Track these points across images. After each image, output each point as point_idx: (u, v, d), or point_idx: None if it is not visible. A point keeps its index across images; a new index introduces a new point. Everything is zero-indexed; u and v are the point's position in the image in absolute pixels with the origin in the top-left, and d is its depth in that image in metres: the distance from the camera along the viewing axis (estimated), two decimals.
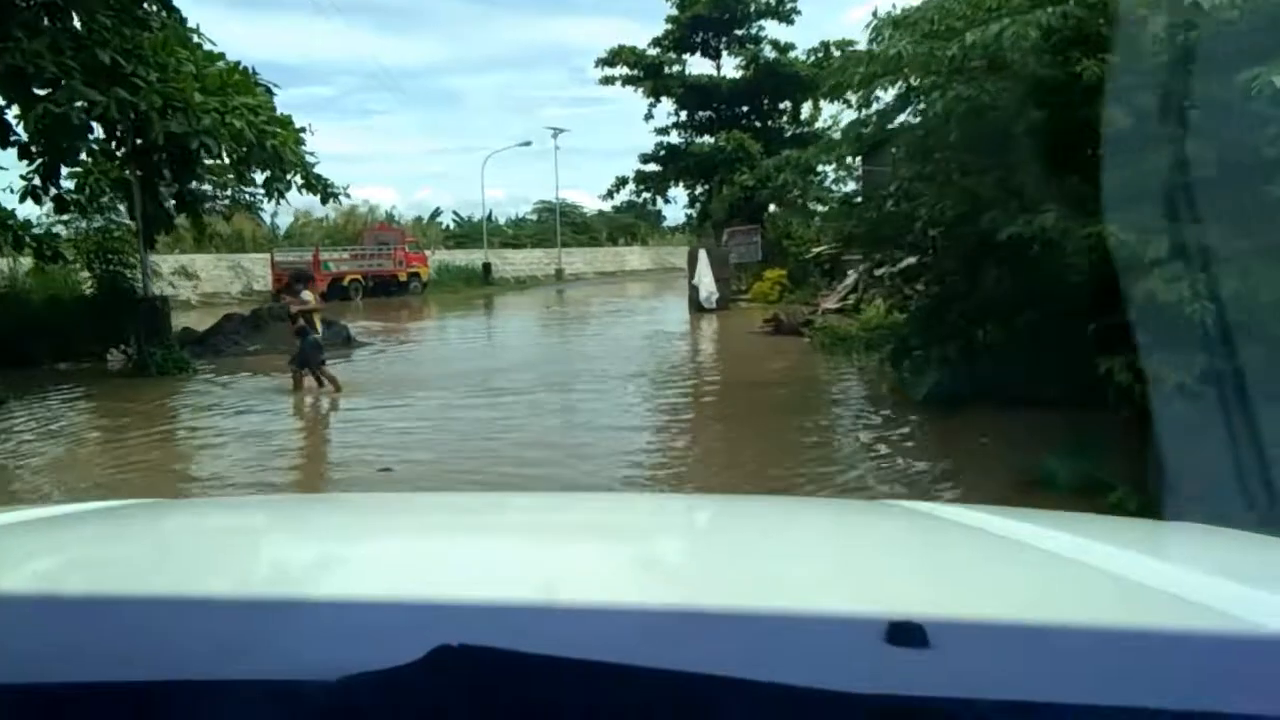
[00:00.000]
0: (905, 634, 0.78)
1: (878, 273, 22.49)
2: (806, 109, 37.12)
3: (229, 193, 57.32)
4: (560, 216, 57.04)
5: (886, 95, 10.91)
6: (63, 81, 11.15)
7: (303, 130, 15.38)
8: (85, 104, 11.25)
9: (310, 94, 70.57)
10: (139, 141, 13.30)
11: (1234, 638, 0.84)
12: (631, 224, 76.18)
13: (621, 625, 0.85)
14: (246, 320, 17.33)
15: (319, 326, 12.21)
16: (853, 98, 11.07)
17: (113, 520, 1.57)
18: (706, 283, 23.68)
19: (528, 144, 46.19)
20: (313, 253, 35.28)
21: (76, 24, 11.81)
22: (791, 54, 34.40)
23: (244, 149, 13.18)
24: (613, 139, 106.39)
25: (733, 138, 31.59)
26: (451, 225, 62.85)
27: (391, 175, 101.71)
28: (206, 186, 55.68)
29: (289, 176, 16.14)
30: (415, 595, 0.91)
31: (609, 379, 12.28)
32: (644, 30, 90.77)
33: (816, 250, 26.68)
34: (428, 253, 40.54)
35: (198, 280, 34.90)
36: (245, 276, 36.62)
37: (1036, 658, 0.80)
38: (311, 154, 17.14)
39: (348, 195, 17.05)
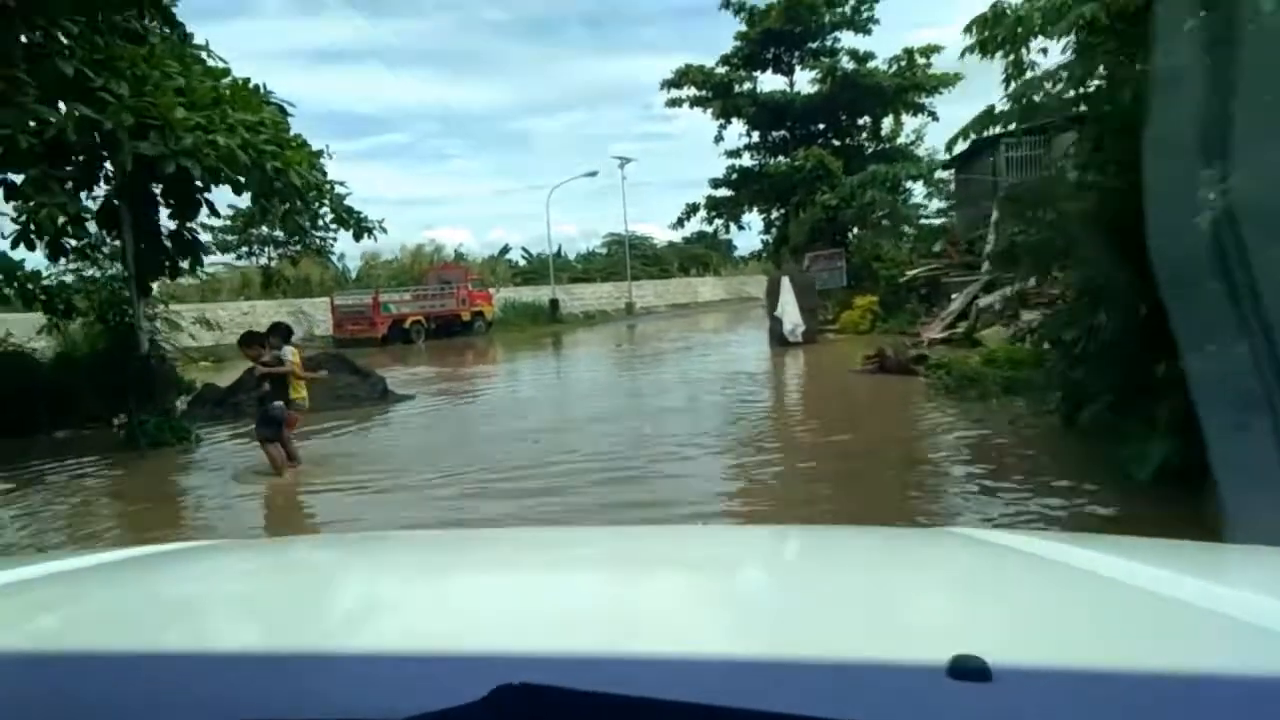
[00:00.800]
0: (968, 668, 0.77)
1: (984, 300, 19.46)
2: (887, 124, 34.27)
3: (296, 237, 57.06)
4: (630, 249, 54.81)
5: (1042, 59, 8.20)
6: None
7: (320, 154, 13.15)
8: (34, 124, 9.09)
9: (387, 141, 71.37)
10: (127, 170, 11.10)
11: None
12: (703, 254, 73.73)
13: (681, 664, 0.85)
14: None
15: (302, 392, 9.79)
16: (999, 63, 8.27)
17: (165, 566, 1.55)
18: (790, 313, 20.90)
19: (593, 174, 44.16)
20: (372, 295, 33.43)
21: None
22: (871, 64, 31.56)
23: (239, 174, 10.89)
24: (682, 171, 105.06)
25: (811, 155, 28.85)
26: (521, 262, 61.13)
27: (466, 217, 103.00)
28: (277, 233, 54.91)
29: (315, 208, 13.98)
30: (473, 641, 0.92)
31: (690, 449, 9.49)
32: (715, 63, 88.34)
33: (912, 273, 23.71)
34: (492, 290, 38.48)
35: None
36: (306, 321, 34.94)
37: (1098, 693, 0.79)
38: (342, 184, 15.02)
39: (383, 230, 14.84)
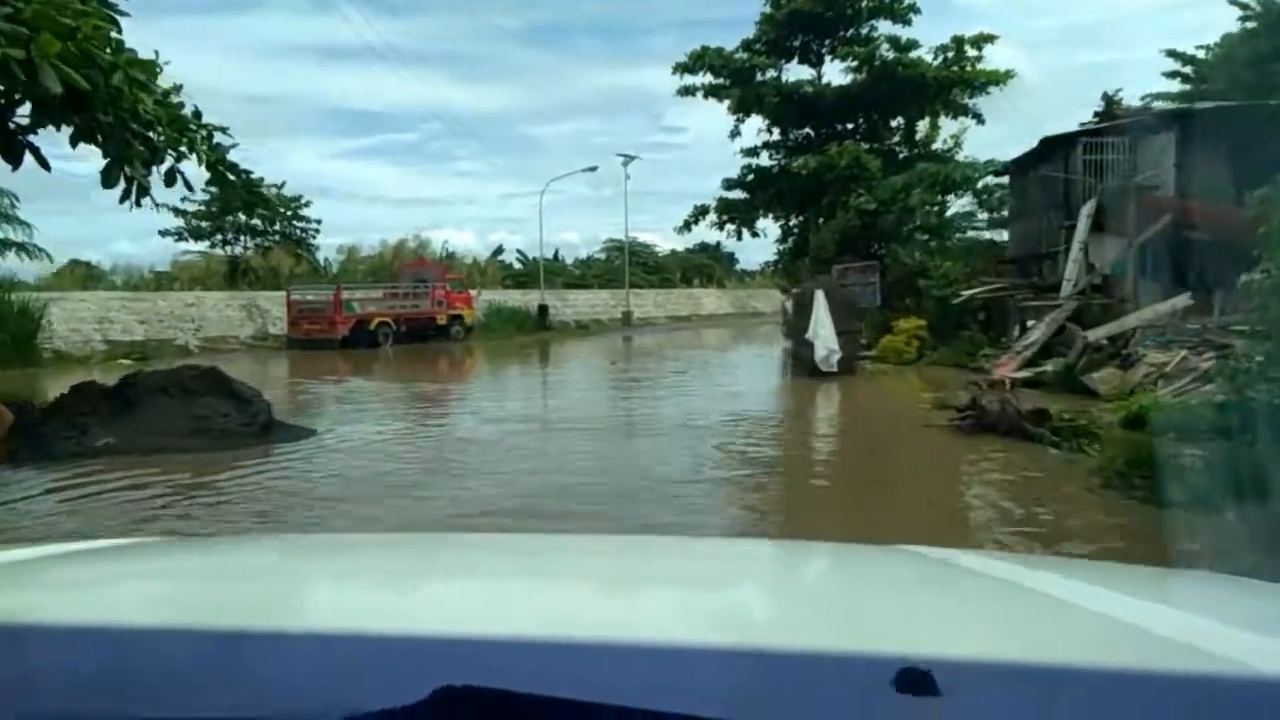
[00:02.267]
0: (914, 681, 0.77)
1: (1097, 334, 14.59)
2: (923, 126, 29.70)
3: (277, 226, 52.43)
4: (630, 255, 50.20)
5: None
6: None
7: (155, 65, 8.60)
8: None
9: (394, 140, 68.08)
10: None
11: (1240, 681, 0.83)
12: (706, 265, 69.13)
13: (624, 665, 0.84)
14: (109, 393, 10.41)
15: None
16: None
17: (124, 557, 1.55)
18: (825, 336, 16.29)
19: (593, 169, 39.65)
20: (334, 291, 28.77)
21: None
22: (914, 53, 27.00)
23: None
24: (689, 182, 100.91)
25: (846, 151, 24.23)
26: (516, 264, 56.36)
27: (470, 219, 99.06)
28: (256, 221, 50.08)
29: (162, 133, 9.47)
30: (418, 633, 0.91)
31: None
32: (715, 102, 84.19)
33: (970, 292, 19.09)
34: (473, 292, 33.80)
35: (199, 324, 28.59)
36: (260, 317, 30.31)
37: (1046, 705, 0.80)
38: (224, 131, 10.48)
39: (250, 176, 10.40)
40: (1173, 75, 33.00)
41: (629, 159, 42.64)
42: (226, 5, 64.56)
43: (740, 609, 1.21)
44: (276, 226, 51.15)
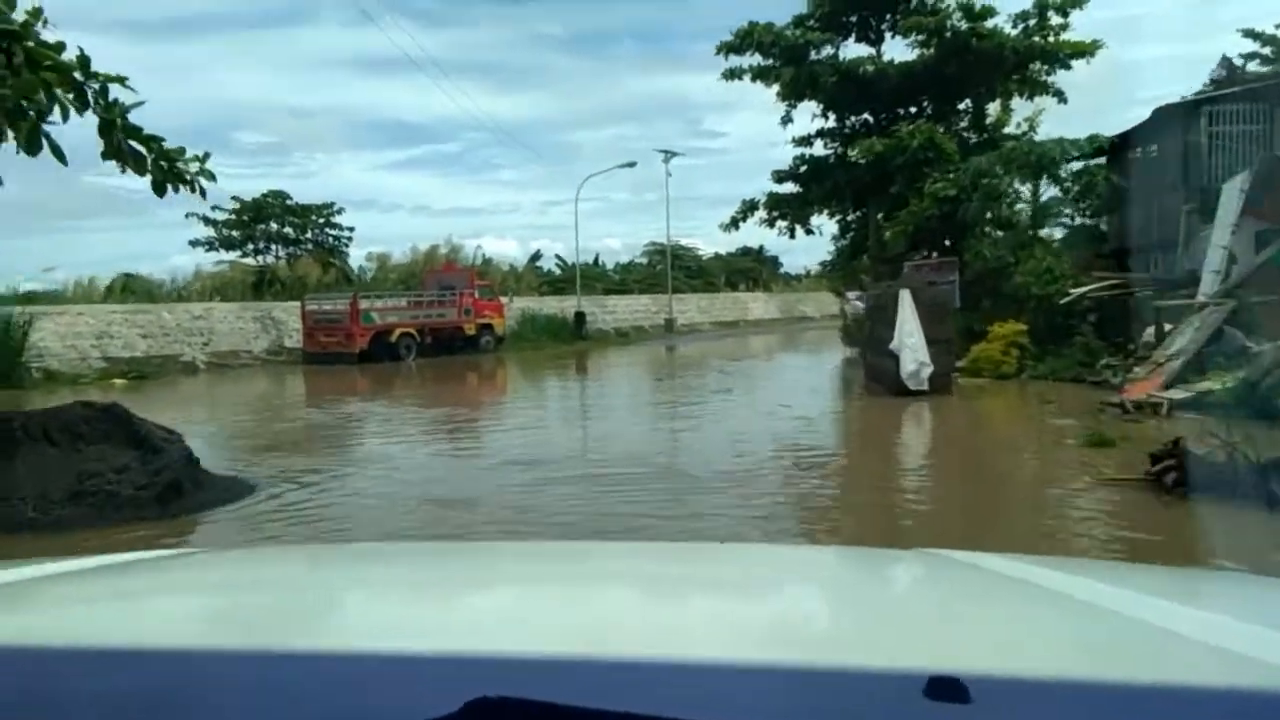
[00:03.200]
0: (945, 689, 0.75)
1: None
2: (993, 109, 26.19)
3: (309, 235, 50.20)
4: (672, 259, 47.14)
5: None
6: None
7: None
8: None
9: (437, 151, 67.45)
10: None
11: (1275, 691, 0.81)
12: (751, 268, 65.81)
13: (659, 678, 0.84)
14: None
15: None
16: None
17: (154, 572, 1.53)
18: (914, 346, 13.12)
19: (632, 164, 36.60)
20: (350, 300, 26.08)
21: None
22: (990, 22, 23.60)
23: None
24: (731, 186, 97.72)
25: (918, 131, 20.94)
26: (555, 270, 53.56)
27: (512, 226, 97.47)
28: (288, 230, 47.83)
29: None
30: (452, 648, 0.90)
31: None
32: (755, 88, 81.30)
33: (1080, 290, 15.77)
34: (504, 300, 30.95)
35: (209, 338, 26.06)
36: (275, 330, 27.74)
37: (1078, 714, 0.79)
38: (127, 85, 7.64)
39: (164, 144, 7.58)
40: (1252, 57, 29.05)
41: (670, 155, 39.73)
42: (274, 19, 64.31)
43: (771, 618, 1.17)
44: (308, 235, 49.04)
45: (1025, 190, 21.71)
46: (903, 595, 1.38)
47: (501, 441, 11.36)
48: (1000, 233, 19.61)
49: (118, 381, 21.36)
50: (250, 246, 46.09)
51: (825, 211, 29.18)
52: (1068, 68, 24.62)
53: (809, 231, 29.08)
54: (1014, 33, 23.47)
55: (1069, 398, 12.52)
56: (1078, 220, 19.73)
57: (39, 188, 61.15)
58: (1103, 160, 20.65)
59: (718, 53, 25.72)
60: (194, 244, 44.91)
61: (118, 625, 1.09)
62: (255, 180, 44.29)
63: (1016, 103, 25.71)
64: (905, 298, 13.27)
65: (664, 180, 40.77)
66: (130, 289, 37.40)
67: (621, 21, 74.88)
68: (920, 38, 24.40)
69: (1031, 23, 23.64)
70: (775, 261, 70.49)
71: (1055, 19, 23.57)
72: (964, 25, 23.42)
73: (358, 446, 11.02)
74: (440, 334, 27.95)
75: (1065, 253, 17.03)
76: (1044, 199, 21.35)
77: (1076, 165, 19.40)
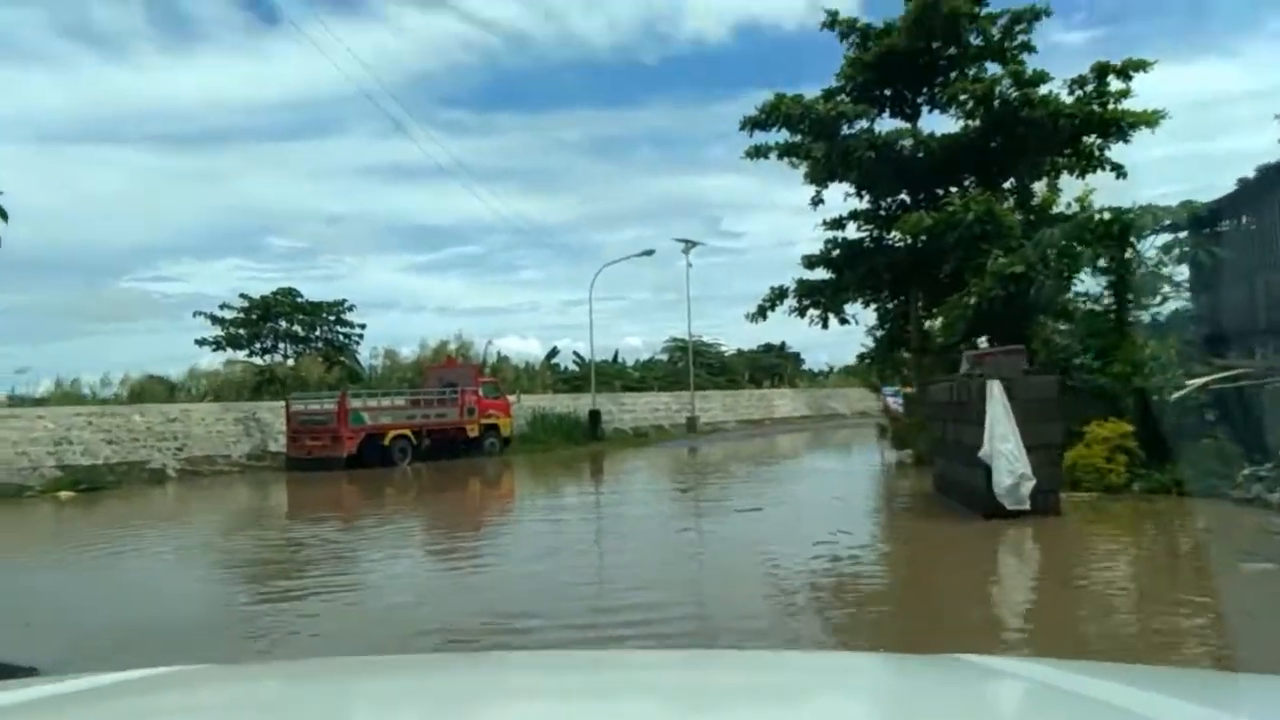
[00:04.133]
0: None
1: None
2: (1039, 187, 23.51)
3: (318, 333, 47.98)
4: (694, 356, 44.37)
5: None
6: None
7: None
8: None
9: (461, 253, 68.15)
10: None
11: None
12: (775, 364, 62.99)
13: None
14: None
15: None
16: None
17: (164, 689, 1.48)
18: (1009, 454, 10.05)
19: (650, 253, 34.26)
20: (338, 399, 23.32)
21: None
22: (1044, 88, 21.14)
23: None
24: (749, 285, 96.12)
25: (974, 203, 18.20)
26: (572, 367, 50.90)
27: (533, 325, 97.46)
28: (297, 328, 45.80)
29: None
30: None
31: None
32: (773, 188, 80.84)
33: (1197, 382, 12.70)
34: (511, 398, 28.10)
35: (184, 442, 23.28)
36: (259, 432, 24.96)
37: None
38: None
39: None
40: None
41: (690, 244, 37.35)
42: (308, 130, 65.49)
43: None
44: (318, 333, 46.86)
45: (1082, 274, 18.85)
46: (931, 706, 1.27)
47: (473, 587, 8.37)
48: (1083, 309, 16.64)
49: (63, 494, 18.53)
50: (258, 345, 43.94)
51: (860, 299, 26.42)
52: (1126, 140, 22.06)
53: (843, 321, 26.19)
54: (1069, 100, 20.99)
55: (1221, 520, 9.37)
56: (1168, 301, 16.77)
57: (68, 292, 60.99)
58: (1183, 234, 17.80)
59: (742, 128, 23.36)
60: (200, 343, 42.74)
61: None
62: (284, 283, 42.98)
63: (1065, 181, 23.06)
64: (996, 391, 10.26)
65: (683, 279, 38.38)
66: (144, 390, 34.87)
67: (640, 127, 75.02)
68: (965, 108, 21.97)
69: (1089, 88, 21.20)
70: (798, 358, 67.87)
71: (1115, 84, 21.13)
72: (1013, 92, 20.95)
73: (241, 602, 8.07)
74: (440, 435, 25.09)
75: (1170, 336, 14.05)
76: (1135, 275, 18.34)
77: (1162, 239, 16.53)
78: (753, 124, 23.28)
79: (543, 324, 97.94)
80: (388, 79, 61.69)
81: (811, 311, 26.11)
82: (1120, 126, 21.40)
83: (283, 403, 25.16)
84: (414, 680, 1.52)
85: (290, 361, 40.83)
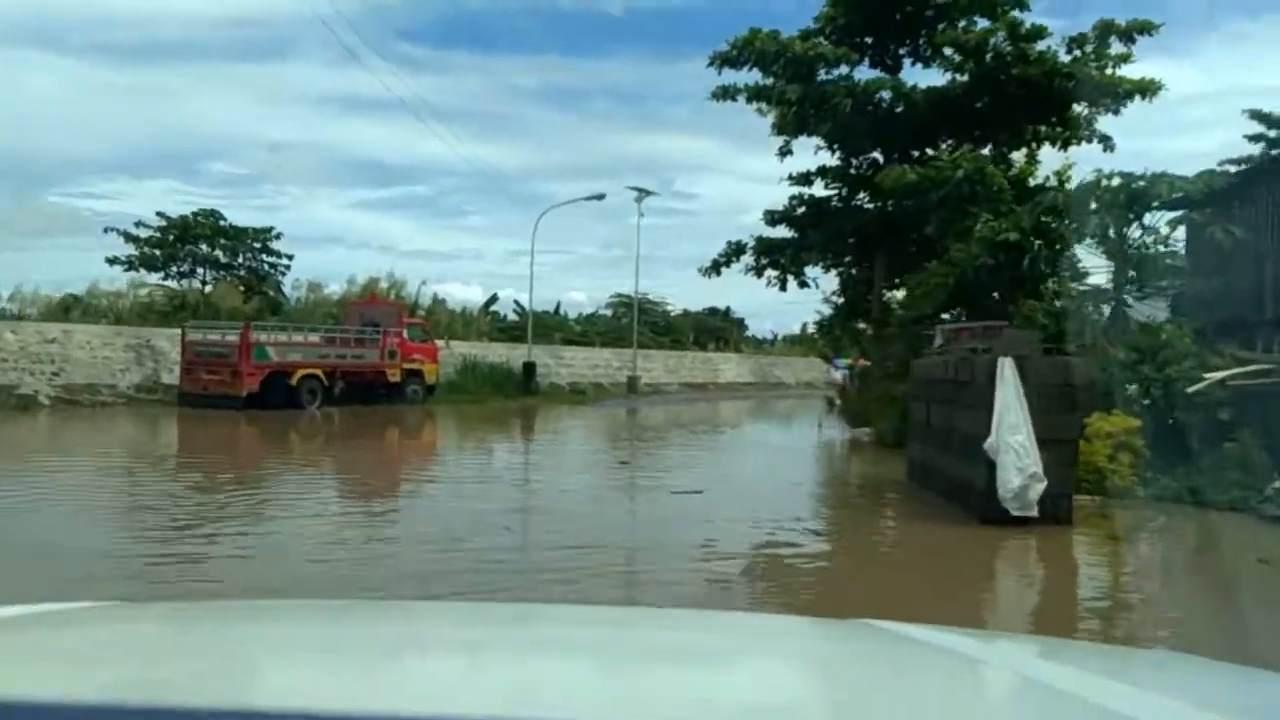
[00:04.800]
0: None
1: None
2: (1019, 156, 21.66)
3: (241, 260, 44.57)
4: (640, 313, 42.16)
5: None
6: None
7: None
8: None
9: (409, 192, 65.30)
10: None
11: None
12: (722, 328, 61.16)
13: None
14: None
15: None
16: None
17: (76, 623, 1.41)
18: (1020, 447, 8.12)
19: (600, 197, 31.76)
20: (240, 330, 20.69)
21: None
22: (1041, 44, 19.17)
23: None
24: (702, 248, 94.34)
25: (964, 160, 16.19)
26: (513, 315, 48.33)
27: (477, 273, 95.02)
28: (218, 253, 42.37)
29: None
30: (383, 714, 0.84)
31: None
32: (729, 153, 78.42)
33: (1216, 375, 10.95)
34: (440, 343, 25.64)
35: (61, 366, 20.46)
36: (153, 361, 22.20)
37: None
38: None
39: None
40: (1256, 139, 24.61)
41: (644, 193, 34.90)
42: (258, 52, 61.85)
43: (700, 689, 1.12)
44: (240, 260, 43.36)
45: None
46: (828, 669, 1.31)
47: (361, 558, 6.23)
48: (1076, 287, 14.87)
49: None
50: (174, 269, 40.46)
51: (822, 263, 24.51)
52: (1118, 111, 20.32)
53: (803, 284, 24.30)
54: (1069, 59, 19.11)
55: (1252, 537, 7.62)
56: (1178, 283, 15.04)
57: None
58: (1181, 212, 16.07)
59: (710, 64, 21.07)
60: (111, 262, 38.92)
61: (35, 682, 1.00)
62: (224, 211, 39.68)
63: (1045, 153, 21.22)
64: (1008, 371, 8.29)
65: (632, 236, 36.00)
66: (49, 311, 31.30)
67: (599, 80, 72.58)
68: (953, 60, 19.99)
69: (1088, 48, 19.35)
70: (742, 324, 66.19)
71: (1117, 47, 19.31)
72: (1008, 46, 18.98)
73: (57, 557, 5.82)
74: (357, 378, 22.62)
75: (1183, 322, 12.28)
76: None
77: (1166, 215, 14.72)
78: (722, 60, 20.99)
79: (487, 272, 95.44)
80: (344, 5, 57.86)
81: (770, 271, 24.13)
82: (1116, 93, 19.63)
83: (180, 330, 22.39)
84: (319, 626, 1.46)
85: (207, 288, 37.61)
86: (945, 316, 18.03)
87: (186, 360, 20.80)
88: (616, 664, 1.26)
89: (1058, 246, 14.48)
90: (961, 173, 15.44)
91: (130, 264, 39.41)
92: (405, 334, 23.73)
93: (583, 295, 65.51)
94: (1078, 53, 19.28)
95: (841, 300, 24.72)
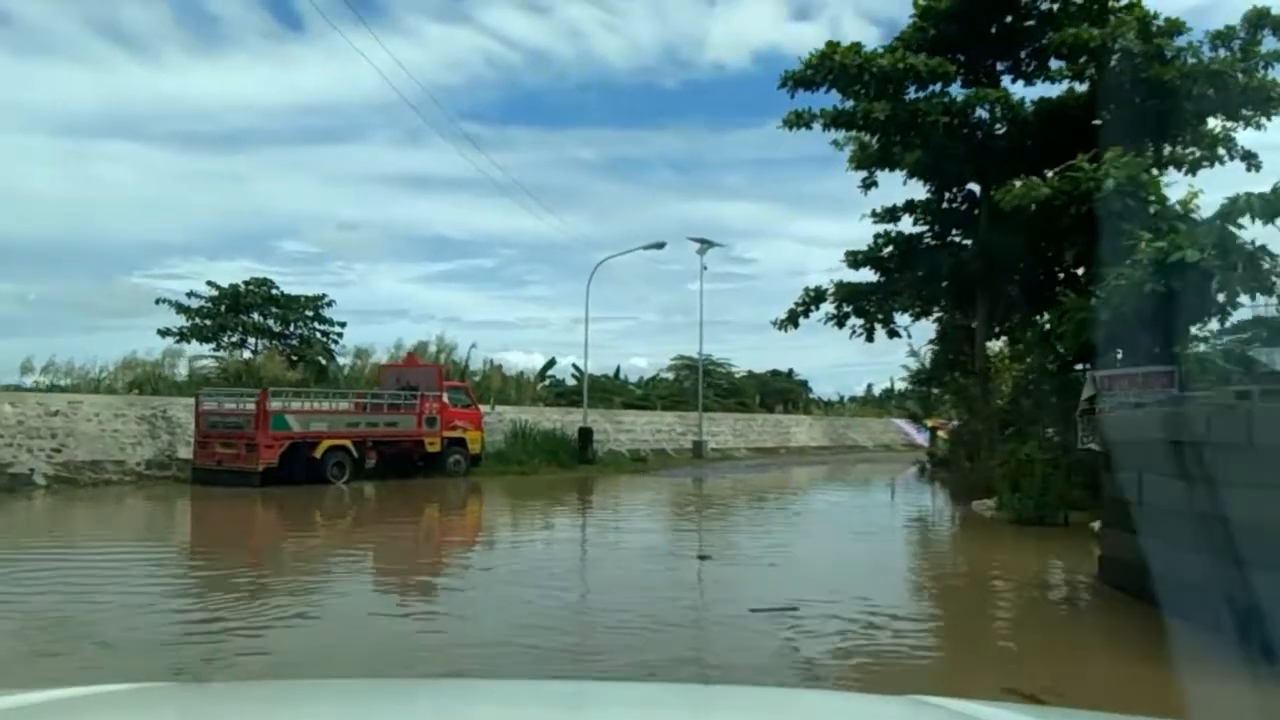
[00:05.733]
0: None
1: None
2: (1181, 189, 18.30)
3: (292, 329, 42.74)
4: (704, 375, 39.02)
5: None
6: None
7: None
8: None
9: (472, 265, 68.76)
10: None
11: None
12: (789, 389, 57.63)
13: None
14: None
15: None
16: None
17: (126, 707, 1.41)
18: None
19: (660, 245, 28.82)
20: (258, 398, 18.17)
21: None
22: (1182, 39, 16.03)
23: None
24: (759, 312, 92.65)
25: (1116, 166, 12.95)
26: (571, 381, 45.57)
27: (540, 341, 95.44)
28: (270, 322, 40.61)
29: None
30: None
31: None
32: (786, 216, 77.35)
33: None
34: (485, 408, 22.88)
35: (64, 440, 18.12)
36: (169, 434, 19.81)
37: None
38: None
39: None
40: None
41: (707, 244, 32.05)
42: (325, 136, 66.22)
43: None
44: (292, 329, 41.48)
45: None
46: None
47: None
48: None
49: None
50: (225, 339, 38.71)
51: (911, 311, 21.34)
52: (1260, 125, 17.02)
53: (892, 333, 21.11)
54: (1218, 59, 15.90)
55: None
56: None
57: (80, 284, 58.69)
58: None
59: (782, 86, 18.32)
60: (163, 334, 37.12)
61: None
62: (293, 287, 39.62)
63: (1171, 178, 17.86)
64: None
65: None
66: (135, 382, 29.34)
67: (656, 150, 72.66)
68: (1074, 63, 16.95)
69: (1235, 44, 16.15)
70: (806, 385, 62.72)
71: (1270, 43, 16.08)
72: (1138, 45, 15.87)
73: None
74: (392, 449, 19.94)
75: None
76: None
77: None
78: (796, 81, 18.21)
79: (550, 340, 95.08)
80: (408, 89, 59.45)
81: (853, 320, 21.04)
82: (1269, 98, 16.35)
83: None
84: (383, 705, 1.43)
85: (247, 356, 35.61)
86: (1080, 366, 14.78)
87: (200, 433, 18.32)
88: None
89: (1249, 269, 11.12)
90: (1112, 182, 12.22)
91: (182, 335, 37.74)
92: (446, 399, 21.03)
93: (643, 361, 63.84)
94: (1223, 51, 16.10)
95: (937, 349, 21.46)
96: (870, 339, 20.79)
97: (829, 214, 72.18)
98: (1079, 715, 1.77)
